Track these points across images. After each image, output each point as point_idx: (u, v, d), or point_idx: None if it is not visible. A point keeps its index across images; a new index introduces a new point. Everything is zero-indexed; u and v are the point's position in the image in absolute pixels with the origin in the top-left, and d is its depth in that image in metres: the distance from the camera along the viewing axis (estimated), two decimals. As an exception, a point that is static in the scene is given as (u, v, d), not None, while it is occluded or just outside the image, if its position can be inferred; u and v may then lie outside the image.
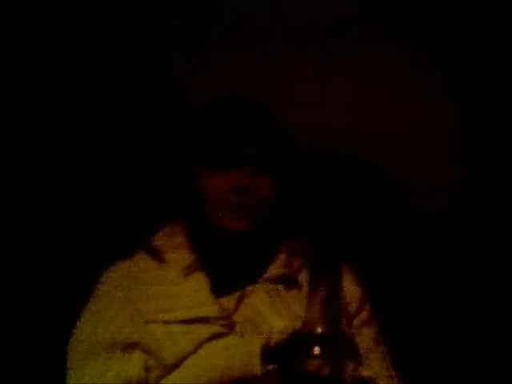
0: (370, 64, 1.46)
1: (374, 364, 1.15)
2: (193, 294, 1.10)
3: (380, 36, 1.45)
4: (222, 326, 1.07)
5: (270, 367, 1.04)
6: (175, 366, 1.05)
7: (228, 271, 1.14)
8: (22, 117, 1.40)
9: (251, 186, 1.09)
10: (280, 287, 1.14)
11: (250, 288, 1.13)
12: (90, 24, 1.42)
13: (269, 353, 1.05)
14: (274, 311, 1.10)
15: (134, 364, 1.06)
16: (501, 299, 1.40)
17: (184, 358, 1.05)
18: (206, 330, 1.06)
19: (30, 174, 1.40)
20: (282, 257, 1.17)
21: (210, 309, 1.09)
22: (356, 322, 1.17)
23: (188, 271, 1.13)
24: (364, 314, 1.19)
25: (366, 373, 1.12)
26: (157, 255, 1.15)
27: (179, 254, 1.15)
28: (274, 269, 1.16)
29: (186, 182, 1.15)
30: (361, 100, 1.47)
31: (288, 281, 1.15)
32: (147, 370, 1.05)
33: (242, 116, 1.14)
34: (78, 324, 1.11)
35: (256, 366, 1.03)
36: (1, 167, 1.39)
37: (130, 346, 1.06)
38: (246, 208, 1.09)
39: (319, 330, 1.00)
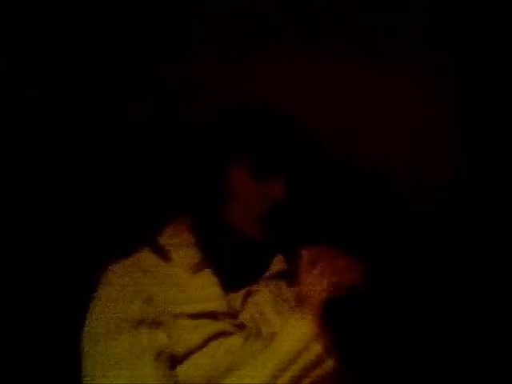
0: (369, 62, 1.47)
1: None
2: (201, 289, 1.10)
3: (379, 34, 1.46)
4: (230, 324, 1.08)
5: None
6: (182, 358, 1.04)
7: (234, 269, 1.14)
8: (24, 116, 1.40)
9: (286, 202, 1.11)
10: (282, 284, 1.15)
11: (254, 286, 1.14)
12: (92, 23, 1.42)
13: None
14: (276, 313, 1.11)
15: (163, 336, 1.04)
16: (500, 299, 1.40)
17: (191, 352, 1.04)
18: (213, 327, 1.06)
19: (37, 173, 1.40)
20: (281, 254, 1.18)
21: (218, 304, 1.09)
22: None
23: (195, 269, 1.13)
24: None
25: None
26: (163, 254, 1.15)
27: (185, 253, 1.15)
28: (275, 266, 1.16)
29: (215, 181, 1.14)
30: (359, 98, 1.48)
31: (289, 277, 1.15)
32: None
33: (287, 127, 1.16)
34: (90, 311, 1.08)
35: None
36: (4, 167, 1.39)
37: (154, 324, 1.05)
38: (270, 217, 1.10)
39: None
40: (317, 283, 1.04)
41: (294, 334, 1.01)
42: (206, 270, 1.13)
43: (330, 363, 1.01)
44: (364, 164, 1.47)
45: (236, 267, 1.14)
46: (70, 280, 1.33)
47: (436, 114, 1.47)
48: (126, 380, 0.99)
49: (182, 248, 1.15)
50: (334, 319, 1.05)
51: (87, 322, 1.07)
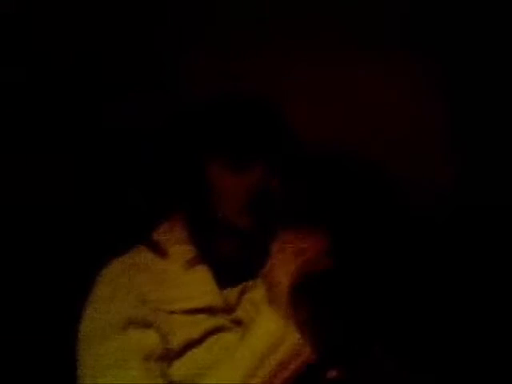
0: (367, 64, 1.47)
1: None
2: (197, 285, 1.11)
3: (378, 38, 1.46)
4: (226, 320, 1.08)
5: None
6: (180, 352, 1.04)
7: (229, 265, 1.14)
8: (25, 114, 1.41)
9: (266, 187, 1.10)
10: None
11: (250, 282, 1.14)
12: (91, 24, 1.42)
13: None
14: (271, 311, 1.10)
15: (152, 338, 1.03)
16: (497, 298, 1.40)
17: (187, 347, 1.04)
18: (210, 322, 1.06)
19: (32, 170, 1.40)
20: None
21: (214, 299, 1.09)
22: None
23: (190, 264, 1.13)
24: None
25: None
26: (159, 249, 1.15)
27: (180, 249, 1.15)
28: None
29: (194, 177, 1.14)
30: (357, 99, 1.48)
31: None
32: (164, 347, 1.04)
33: (262, 117, 1.15)
34: (86, 310, 1.09)
35: None
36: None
37: (145, 325, 1.05)
38: (257, 208, 1.10)
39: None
40: (282, 268, 1.03)
41: (266, 328, 1.00)
42: (201, 265, 1.13)
43: (307, 352, 0.99)
44: (360, 162, 1.48)
45: (230, 262, 1.14)
46: (67, 278, 1.34)
47: (434, 113, 1.48)
48: (115, 381, 0.99)
49: (177, 244, 1.15)
50: (306, 300, 1.03)
51: (81, 323, 1.08)
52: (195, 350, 1.04)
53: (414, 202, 1.47)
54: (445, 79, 1.46)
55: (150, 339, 1.03)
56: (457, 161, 1.47)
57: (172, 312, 1.06)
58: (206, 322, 1.06)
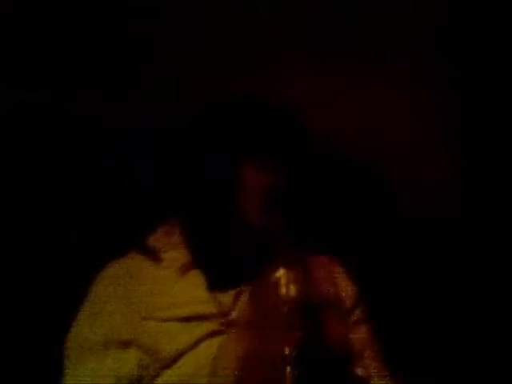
0: (369, 64, 1.46)
1: (368, 363, 1.14)
2: (189, 291, 1.10)
3: (379, 38, 1.45)
4: (220, 323, 1.07)
5: None
6: (173, 361, 1.04)
7: (224, 269, 1.14)
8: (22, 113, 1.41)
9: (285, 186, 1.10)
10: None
11: (246, 286, 1.14)
12: (90, 23, 1.43)
13: None
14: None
15: (129, 361, 1.05)
16: (499, 298, 1.39)
17: (182, 353, 1.04)
18: (203, 328, 1.06)
19: (27, 172, 1.40)
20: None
21: (207, 306, 1.09)
22: (350, 319, 1.17)
23: (184, 270, 1.13)
24: (358, 313, 1.19)
25: (359, 372, 1.12)
26: (153, 254, 1.15)
27: (175, 253, 1.15)
28: (271, 271, 1.16)
29: (224, 181, 1.13)
30: (359, 100, 1.47)
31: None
32: (142, 368, 1.05)
33: (283, 115, 1.16)
34: (74, 322, 1.11)
35: None
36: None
37: (124, 344, 1.06)
38: (276, 206, 1.09)
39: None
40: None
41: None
42: (195, 270, 1.13)
43: None
44: (364, 162, 1.47)
45: (227, 266, 1.14)
46: (66, 279, 1.34)
47: (436, 114, 1.47)
48: None
49: (172, 249, 1.15)
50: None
51: (68, 336, 1.10)
52: (187, 357, 1.04)
53: (414, 202, 1.46)
54: (447, 80, 1.45)
55: (128, 361, 1.05)
56: (457, 161, 1.46)
57: (165, 320, 1.07)
58: (199, 328, 1.06)
